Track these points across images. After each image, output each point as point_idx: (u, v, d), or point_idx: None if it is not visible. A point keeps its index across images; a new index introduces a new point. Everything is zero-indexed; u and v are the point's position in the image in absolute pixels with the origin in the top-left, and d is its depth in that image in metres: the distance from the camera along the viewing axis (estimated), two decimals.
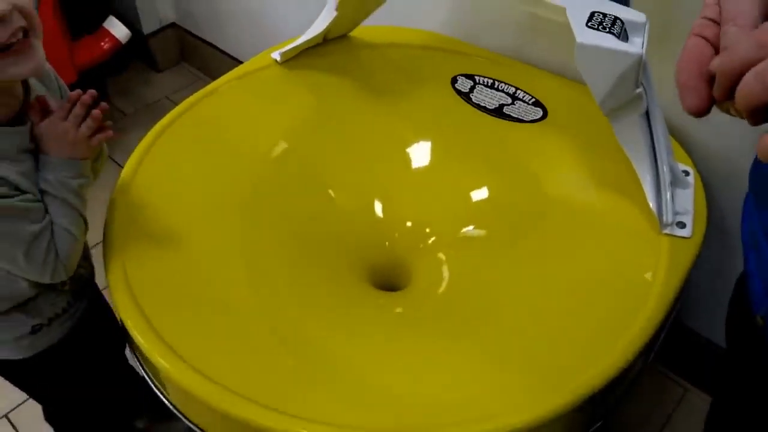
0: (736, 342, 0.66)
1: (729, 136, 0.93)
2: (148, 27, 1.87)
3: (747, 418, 0.65)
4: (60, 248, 0.71)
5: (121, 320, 0.75)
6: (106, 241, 0.81)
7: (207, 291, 0.79)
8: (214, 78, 1.09)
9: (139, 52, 1.89)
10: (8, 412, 1.22)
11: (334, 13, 1.00)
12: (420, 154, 1.02)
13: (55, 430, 1.10)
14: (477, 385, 0.71)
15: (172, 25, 1.94)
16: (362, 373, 0.73)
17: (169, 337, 0.71)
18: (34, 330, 0.79)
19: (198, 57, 1.91)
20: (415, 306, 0.88)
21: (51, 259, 0.70)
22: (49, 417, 1.08)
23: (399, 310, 0.89)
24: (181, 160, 0.94)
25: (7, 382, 0.89)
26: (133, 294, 0.75)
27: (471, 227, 0.95)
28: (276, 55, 1.07)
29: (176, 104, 1.02)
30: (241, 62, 1.68)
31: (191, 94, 1.02)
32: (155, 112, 1.75)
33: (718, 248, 1.00)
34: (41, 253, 0.70)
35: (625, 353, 0.70)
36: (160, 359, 0.70)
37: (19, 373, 0.87)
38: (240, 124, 0.99)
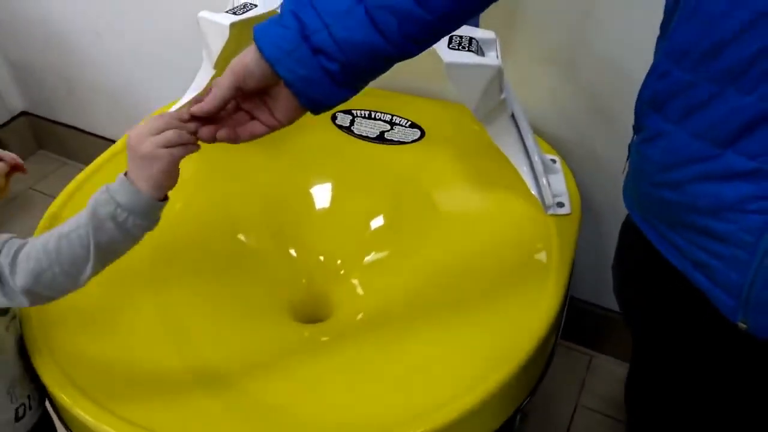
0: (700, 353, 0.65)
1: (578, 129, 1.08)
2: None
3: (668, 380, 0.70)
4: None
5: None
6: None
7: (124, 343, 0.79)
8: (80, 160, 1.09)
9: None
10: None
11: (211, 73, 1.04)
12: (318, 190, 1.08)
13: None
14: (411, 391, 0.74)
15: (23, 113, 1.87)
16: (295, 402, 0.74)
17: (90, 391, 0.71)
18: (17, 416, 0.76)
19: (57, 142, 1.85)
20: (339, 332, 0.92)
21: None
22: None
23: (325, 338, 0.93)
24: None
25: None
26: (52, 351, 0.75)
27: (376, 251, 1.02)
28: None
29: (44, 193, 1.00)
30: (109, 140, 1.67)
31: (59, 181, 1.01)
32: (23, 203, 1.67)
33: (588, 221, 1.14)
34: None
35: (540, 328, 0.77)
36: (81, 411, 0.69)
37: None
38: None
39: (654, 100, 0.56)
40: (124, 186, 0.62)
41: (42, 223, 0.92)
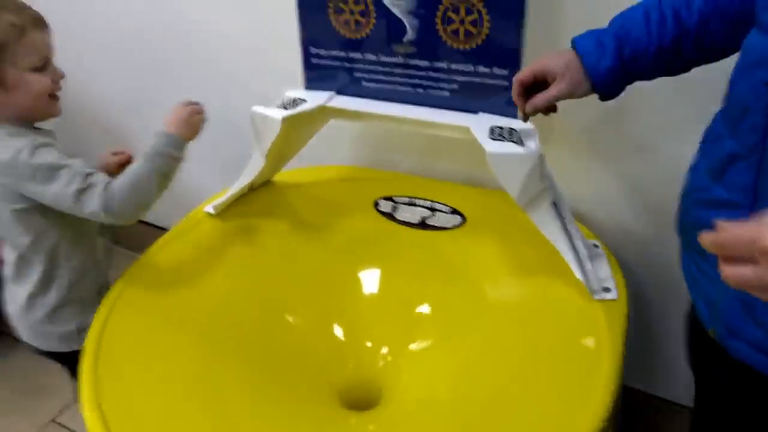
0: (700, 367, 0.79)
1: (619, 214, 1.09)
2: None
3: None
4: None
5: None
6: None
7: (172, 419, 0.80)
8: (130, 247, 1.14)
9: None
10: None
11: (261, 163, 1.09)
12: (364, 276, 1.10)
13: None
14: None
15: None
16: None
17: None
18: (79, 330, 1.00)
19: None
20: (385, 422, 0.91)
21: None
22: None
23: (371, 427, 0.92)
24: (148, 306, 0.97)
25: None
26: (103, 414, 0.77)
27: (422, 338, 1.02)
28: (209, 209, 1.14)
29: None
30: (159, 228, 1.72)
31: (118, 269, 1.07)
32: None
33: (633, 305, 1.13)
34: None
35: (595, 420, 0.75)
36: None
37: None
38: (193, 272, 1.04)
39: (702, 140, 0.70)
40: (172, 138, 0.99)
41: (101, 311, 0.95)
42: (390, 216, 1.14)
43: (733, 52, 0.68)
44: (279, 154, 1.13)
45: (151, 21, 1.46)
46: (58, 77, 0.97)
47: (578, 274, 0.91)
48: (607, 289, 0.90)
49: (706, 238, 0.47)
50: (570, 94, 0.77)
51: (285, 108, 1.03)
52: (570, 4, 0.97)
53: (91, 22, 1.56)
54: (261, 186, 1.20)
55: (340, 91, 1.07)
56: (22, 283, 1.02)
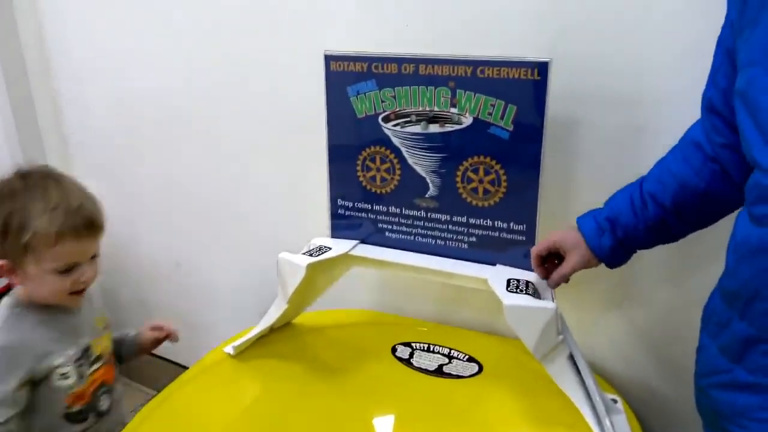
0: None
1: (637, 368, 1.09)
2: None
3: None
4: None
5: None
6: None
7: None
8: (144, 382, 1.16)
9: None
10: None
11: (284, 307, 1.12)
12: (378, 422, 1.08)
13: None
14: None
15: None
16: None
17: None
18: None
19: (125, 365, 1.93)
20: None
21: None
22: None
23: None
24: None
25: None
26: None
27: None
28: (229, 349, 1.16)
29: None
30: (179, 365, 1.73)
31: (131, 403, 1.08)
32: None
33: None
34: None
35: None
36: None
37: None
38: (209, 414, 1.03)
39: (704, 319, 0.72)
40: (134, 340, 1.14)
41: None
42: (407, 362, 1.15)
43: (723, 216, 0.76)
44: (301, 298, 1.17)
45: (189, 171, 1.56)
46: (81, 279, 0.96)
47: (596, 430, 0.90)
48: None
49: None
50: (582, 267, 0.91)
51: (311, 255, 1.09)
52: (580, 168, 1.05)
53: (138, 179, 1.68)
54: (281, 328, 1.23)
55: (364, 240, 1.12)
56: None
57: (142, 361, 1.86)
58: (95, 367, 1.03)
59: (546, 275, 0.96)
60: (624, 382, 1.09)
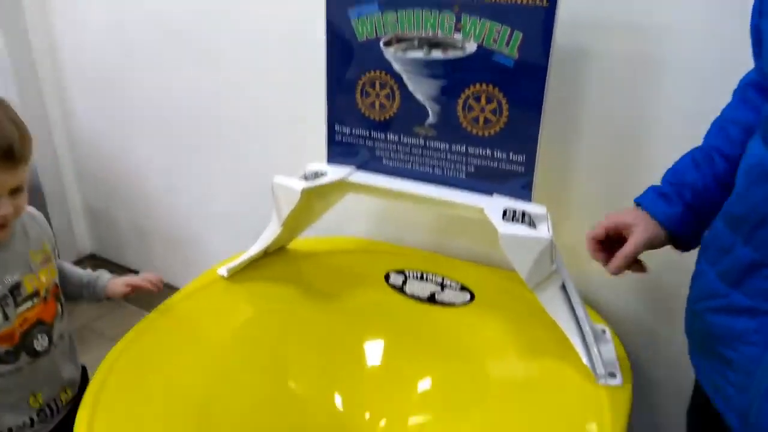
0: None
1: (627, 299, 1.11)
2: (66, 259, 1.89)
3: None
4: None
5: None
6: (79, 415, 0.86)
7: None
8: (140, 305, 1.16)
9: None
10: None
11: (278, 230, 1.12)
12: (369, 347, 1.11)
13: None
14: None
15: (91, 255, 2.00)
16: None
17: None
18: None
19: None
20: None
21: None
22: None
23: None
24: (151, 363, 0.98)
25: None
26: None
27: (421, 414, 1.03)
28: (223, 271, 1.17)
29: (98, 333, 1.06)
30: (170, 286, 1.75)
31: (115, 321, 1.08)
32: (78, 340, 1.73)
33: (638, 392, 1.13)
34: None
35: None
36: None
37: None
38: (200, 332, 1.06)
39: (703, 246, 0.72)
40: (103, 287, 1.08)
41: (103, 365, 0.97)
42: (400, 289, 1.17)
43: None
44: (296, 223, 1.17)
45: (184, 94, 1.53)
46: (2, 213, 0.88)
47: (584, 358, 0.92)
48: (612, 375, 0.92)
49: None
50: (649, 244, 0.79)
51: (306, 179, 1.08)
52: (586, 95, 1.03)
53: (134, 103, 1.65)
54: (275, 252, 1.24)
55: (361, 167, 1.11)
56: None
57: None
58: (27, 305, 0.95)
59: (608, 260, 0.83)
60: (613, 314, 1.11)
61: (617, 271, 0.81)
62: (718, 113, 0.80)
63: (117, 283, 1.08)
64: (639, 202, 0.82)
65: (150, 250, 1.85)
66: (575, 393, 0.92)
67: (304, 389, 1.04)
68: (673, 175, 0.81)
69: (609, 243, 0.83)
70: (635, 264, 0.82)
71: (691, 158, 0.79)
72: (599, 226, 0.83)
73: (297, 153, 1.33)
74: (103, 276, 1.10)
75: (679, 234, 0.78)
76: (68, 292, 1.07)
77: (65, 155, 1.89)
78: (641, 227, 0.78)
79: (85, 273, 1.11)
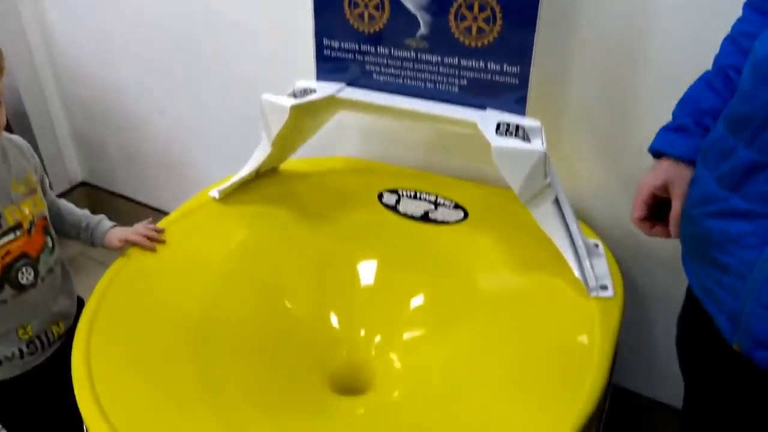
0: (704, 373, 0.77)
1: (620, 214, 1.10)
2: (57, 188, 1.89)
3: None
4: None
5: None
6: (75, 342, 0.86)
7: (162, 392, 0.82)
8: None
9: None
10: None
11: (268, 150, 1.10)
12: (363, 266, 1.11)
13: None
14: None
15: (83, 183, 1.98)
16: None
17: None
18: None
19: (114, 212, 1.93)
20: (374, 406, 0.93)
21: None
22: None
23: (360, 411, 0.93)
24: (145, 286, 0.98)
25: None
26: (94, 390, 0.78)
27: (415, 329, 1.04)
28: (214, 193, 1.15)
29: (95, 260, 1.06)
30: (164, 212, 1.74)
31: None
32: (75, 267, 1.73)
33: (630, 307, 1.14)
34: None
35: (580, 415, 0.76)
36: None
37: None
38: (194, 254, 1.05)
39: (702, 152, 0.70)
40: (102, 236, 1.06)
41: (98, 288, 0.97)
42: (393, 208, 1.16)
43: None
44: (286, 143, 1.15)
45: (168, 12, 1.47)
46: None
47: (576, 272, 0.92)
48: (604, 287, 0.92)
49: None
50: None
51: (295, 97, 1.05)
52: (583, 4, 0.99)
53: (113, 15, 1.58)
54: (267, 173, 1.22)
55: (351, 83, 1.08)
56: None
57: (128, 209, 1.88)
58: (9, 237, 0.92)
59: (653, 227, 0.79)
60: (606, 229, 1.11)
61: (678, 236, 0.75)
62: (723, 9, 0.76)
63: (115, 235, 1.05)
64: (656, 149, 0.77)
65: (141, 175, 1.83)
66: (567, 306, 0.92)
67: (301, 309, 1.05)
68: (686, 104, 0.77)
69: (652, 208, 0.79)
70: None
71: (705, 82, 0.75)
72: (642, 192, 0.78)
73: (286, 72, 1.29)
74: (104, 224, 1.08)
75: None
76: (62, 230, 1.05)
77: (49, 81, 1.84)
78: (675, 182, 0.74)
79: (84, 216, 1.08)
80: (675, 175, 0.75)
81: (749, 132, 0.60)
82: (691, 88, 0.77)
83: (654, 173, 0.77)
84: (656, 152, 0.78)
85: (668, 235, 0.78)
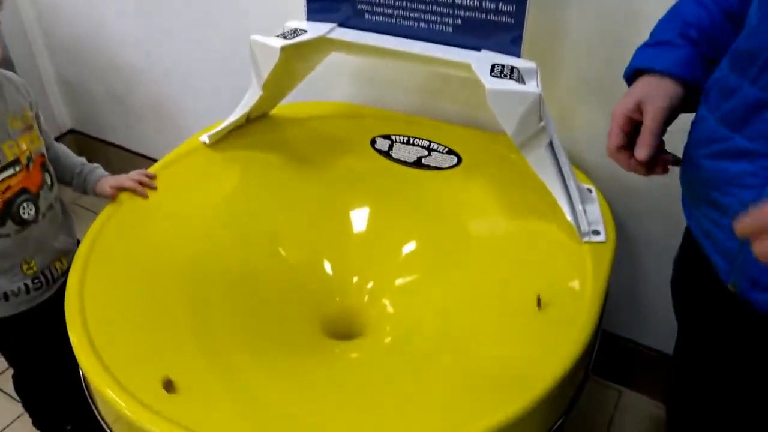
0: (697, 315, 0.77)
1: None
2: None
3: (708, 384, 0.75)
4: None
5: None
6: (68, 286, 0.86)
7: (155, 334, 0.82)
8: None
9: None
10: None
11: (259, 94, 1.08)
12: (355, 212, 1.11)
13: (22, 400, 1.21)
14: (431, 413, 0.74)
15: (71, 131, 1.95)
16: (313, 413, 0.75)
17: (117, 372, 0.74)
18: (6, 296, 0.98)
19: (104, 160, 1.91)
20: (368, 351, 0.94)
21: None
22: (16, 387, 1.18)
23: (354, 355, 0.94)
24: (136, 234, 0.98)
25: None
26: (89, 334, 0.79)
27: (408, 275, 1.04)
28: (204, 138, 1.14)
29: (86, 208, 1.05)
30: (154, 159, 1.72)
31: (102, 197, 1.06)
32: None
33: (622, 254, 1.15)
34: None
35: (570, 357, 0.76)
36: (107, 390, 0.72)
37: None
38: (185, 201, 1.04)
39: (705, 93, 0.67)
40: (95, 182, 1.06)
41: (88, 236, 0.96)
42: (386, 154, 1.14)
43: None
44: (277, 86, 1.12)
45: None
46: None
47: (569, 216, 0.92)
48: (596, 232, 0.92)
49: (743, 224, 0.49)
50: (669, 107, 0.68)
51: (285, 38, 1.02)
52: None
53: None
54: (258, 119, 1.20)
55: (342, 24, 1.05)
56: None
57: (119, 157, 1.86)
58: (8, 172, 0.92)
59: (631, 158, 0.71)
60: (601, 175, 1.10)
61: (646, 156, 0.68)
62: None
63: (108, 182, 1.05)
64: (635, 67, 0.71)
65: (130, 122, 1.80)
66: (558, 250, 0.92)
67: (293, 255, 1.05)
68: (668, 20, 0.71)
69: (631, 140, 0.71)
70: (665, 154, 0.72)
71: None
72: (619, 114, 0.70)
73: (276, 14, 1.26)
74: (97, 171, 1.08)
75: (696, 80, 0.67)
76: (58, 174, 1.05)
77: (33, 24, 1.79)
78: (652, 94, 0.67)
79: (79, 162, 1.09)
80: (649, 90, 0.68)
81: (755, 69, 0.58)
82: (673, 6, 0.73)
83: (627, 95, 0.70)
84: (635, 72, 0.71)
85: (646, 172, 0.72)
